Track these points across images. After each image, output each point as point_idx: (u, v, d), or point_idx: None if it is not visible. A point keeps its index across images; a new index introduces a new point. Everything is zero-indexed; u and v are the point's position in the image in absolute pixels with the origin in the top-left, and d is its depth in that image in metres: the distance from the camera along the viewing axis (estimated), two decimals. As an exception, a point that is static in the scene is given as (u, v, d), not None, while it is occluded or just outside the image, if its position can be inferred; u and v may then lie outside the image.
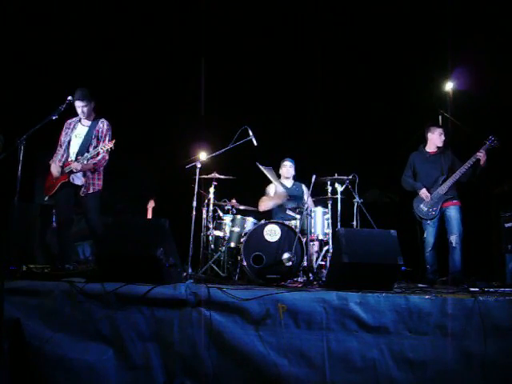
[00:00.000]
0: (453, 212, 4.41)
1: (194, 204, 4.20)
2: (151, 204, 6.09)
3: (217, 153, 4.45)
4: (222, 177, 4.55)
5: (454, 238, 4.31)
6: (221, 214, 4.60)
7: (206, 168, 4.51)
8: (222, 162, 4.79)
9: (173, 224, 3.12)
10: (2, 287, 2.59)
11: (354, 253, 3.01)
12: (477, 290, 3.28)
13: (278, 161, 5.14)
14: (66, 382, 2.56)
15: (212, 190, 4.48)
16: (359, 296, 2.72)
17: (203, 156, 4.56)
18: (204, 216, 4.56)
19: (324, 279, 3.72)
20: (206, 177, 4.50)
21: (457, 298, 2.75)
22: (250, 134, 4.38)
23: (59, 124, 3.33)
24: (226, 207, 4.67)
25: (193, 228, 4.12)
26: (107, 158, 4.07)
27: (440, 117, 4.91)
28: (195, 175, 4.30)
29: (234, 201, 4.68)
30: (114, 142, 3.94)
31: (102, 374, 2.59)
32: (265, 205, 4.80)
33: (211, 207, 4.50)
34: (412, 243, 4.66)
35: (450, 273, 4.31)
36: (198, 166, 4.33)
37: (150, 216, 6.01)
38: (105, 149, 3.93)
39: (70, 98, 3.28)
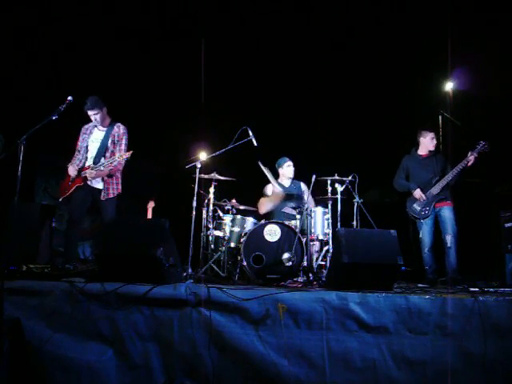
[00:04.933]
0: (446, 212, 4.44)
1: (194, 204, 4.20)
2: (151, 204, 6.08)
3: (217, 153, 4.45)
4: (222, 178, 4.54)
5: (448, 239, 4.33)
6: (221, 214, 4.60)
7: (206, 168, 4.51)
8: (222, 162, 4.78)
9: (173, 224, 3.11)
10: (2, 287, 2.59)
11: (354, 253, 3.01)
12: (477, 290, 3.28)
13: (276, 160, 5.13)
14: (66, 382, 2.56)
15: (212, 190, 4.47)
16: (359, 296, 2.72)
17: (203, 156, 4.56)
18: (204, 216, 4.55)
19: (324, 279, 3.71)
20: (205, 177, 4.49)
21: (457, 298, 2.75)
22: (250, 134, 4.38)
23: (59, 124, 3.32)
24: (226, 207, 4.66)
25: (193, 228, 4.11)
26: (123, 163, 4.21)
27: (440, 117, 4.92)
28: (195, 175, 4.30)
29: (233, 201, 4.68)
30: (131, 152, 4.08)
31: (101, 373, 2.59)
32: (264, 207, 4.82)
33: (211, 207, 4.50)
34: (412, 243, 4.66)
35: (448, 273, 4.32)
36: (198, 166, 4.32)
37: (149, 216, 6.01)
38: (121, 158, 4.07)
39: (70, 98, 3.27)
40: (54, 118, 3.20)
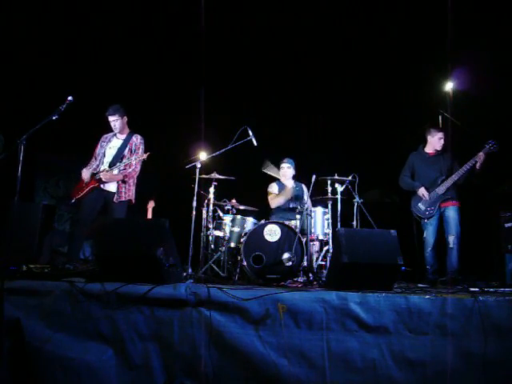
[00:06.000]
0: (451, 212, 4.43)
1: (194, 204, 4.20)
2: (151, 204, 6.08)
3: (217, 153, 4.45)
4: (222, 177, 4.54)
5: (451, 239, 4.33)
6: (221, 214, 4.60)
7: (206, 168, 4.51)
8: (222, 162, 4.78)
9: (173, 224, 3.11)
10: (2, 287, 2.59)
11: (354, 253, 3.01)
12: (477, 289, 3.28)
13: (277, 160, 5.13)
14: (66, 382, 2.56)
15: (212, 189, 4.47)
16: (359, 296, 2.72)
17: (203, 156, 4.56)
18: (204, 216, 4.55)
19: (324, 279, 3.71)
20: (205, 177, 4.49)
21: (457, 298, 2.75)
22: (250, 134, 4.38)
23: (59, 124, 3.33)
24: (226, 207, 4.66)
25: (193, 228, 4.11)
26: (138, 169, 4.30)
27: (440, 117, 4.92)
28: (195, 175, 4.30)
29: (233, 201, 4.68)
30: (148, 154, 4.17)
31: (101, 373, 2.59)
32: (277, 201, 4.86)
33: (211, 207, 4.50)
34: (412, 243, 4.66)
35: (448, 273, 4.32)
36: (198, 166, 4.32)
37: (150, 216, 6.01)
38: (138, 160, 4.16)
39: (70, 98, 3.27)
40: (54, 118, 3.20)
